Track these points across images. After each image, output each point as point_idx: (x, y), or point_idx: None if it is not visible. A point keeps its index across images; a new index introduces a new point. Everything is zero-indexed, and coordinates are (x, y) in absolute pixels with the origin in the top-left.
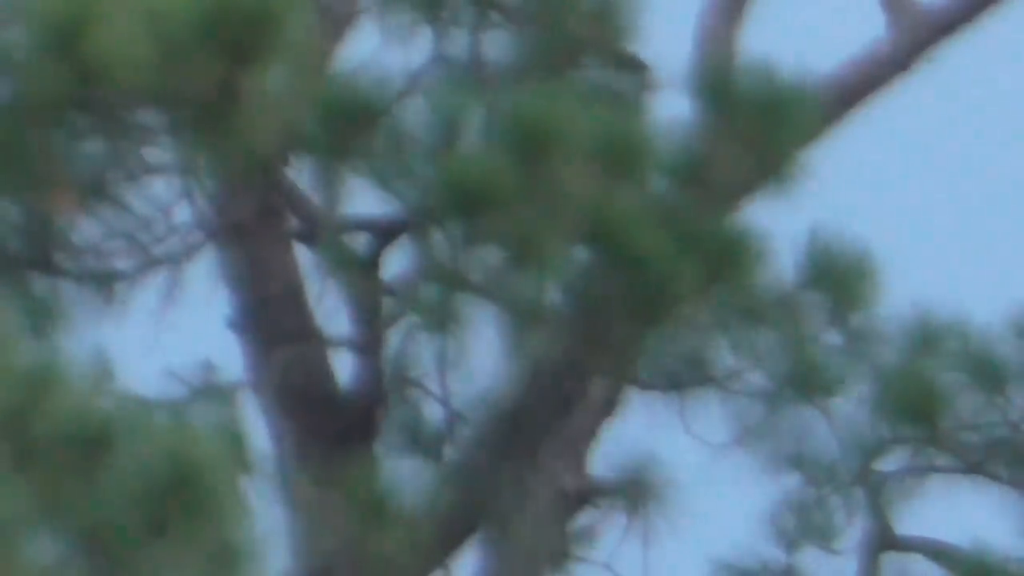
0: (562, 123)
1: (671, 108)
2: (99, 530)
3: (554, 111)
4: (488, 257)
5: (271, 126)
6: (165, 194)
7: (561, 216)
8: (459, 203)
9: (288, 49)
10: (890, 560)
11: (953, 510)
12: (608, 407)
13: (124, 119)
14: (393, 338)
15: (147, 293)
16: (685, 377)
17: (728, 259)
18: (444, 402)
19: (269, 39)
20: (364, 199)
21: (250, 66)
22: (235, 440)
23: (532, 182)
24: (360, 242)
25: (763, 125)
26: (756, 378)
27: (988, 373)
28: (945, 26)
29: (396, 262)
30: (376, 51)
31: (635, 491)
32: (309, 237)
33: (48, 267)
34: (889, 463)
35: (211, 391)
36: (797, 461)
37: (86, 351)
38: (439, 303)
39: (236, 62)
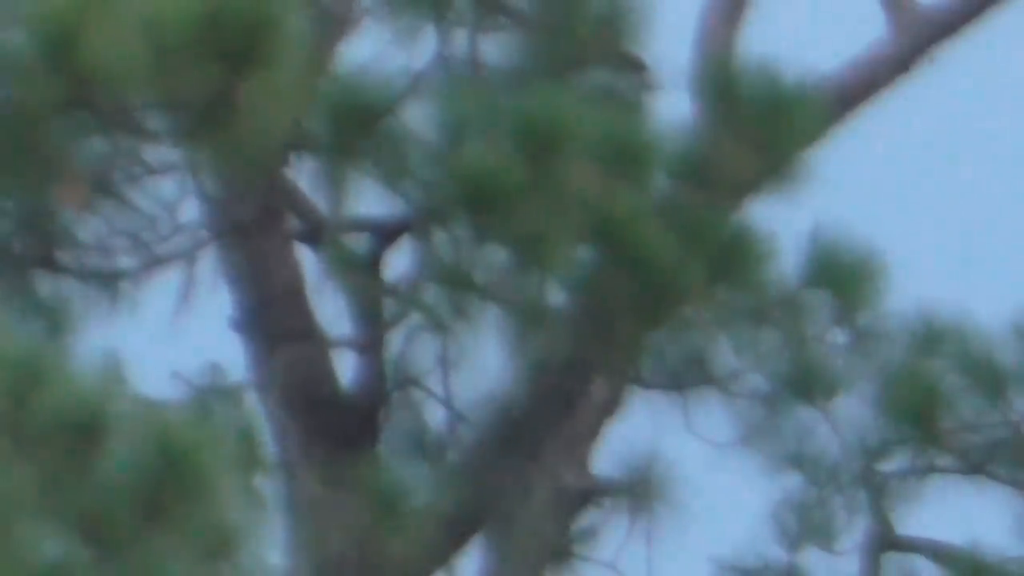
0: (569, 123)
1: (672, 108)
2: (94, 516)
3: (561, 111)
4: (493, 257)
5: (270, 130)
6: (169, 192)
7: (567, 216)
8: (467, 202)
9: (285, 54)
10: (891, 560)
11: (954, 511)
12: (611, 406)
13: (124, 122)
14: (395, 338)
15: (150, 292)
16: (688, 376)
17: (732, 259)
18: (447, 402)
19: (265, 44)
20: (365, 199)
21: (246, 71)
22: (250, 439)
23: (539, 182)
24: (361, 242)
25: (766, 125)
26: (758, 378)
27: (990, 375)
28: (945, 26)
29: (398, 262)
30: (380, 52)
31: (638, 490)
32: (311, 237)
33: (51, 265)
34: (891, 463)
35: (217, 392)
36: (799, 461)
37: (98, 353)
38: (442, 303)
39: (232, 68)
